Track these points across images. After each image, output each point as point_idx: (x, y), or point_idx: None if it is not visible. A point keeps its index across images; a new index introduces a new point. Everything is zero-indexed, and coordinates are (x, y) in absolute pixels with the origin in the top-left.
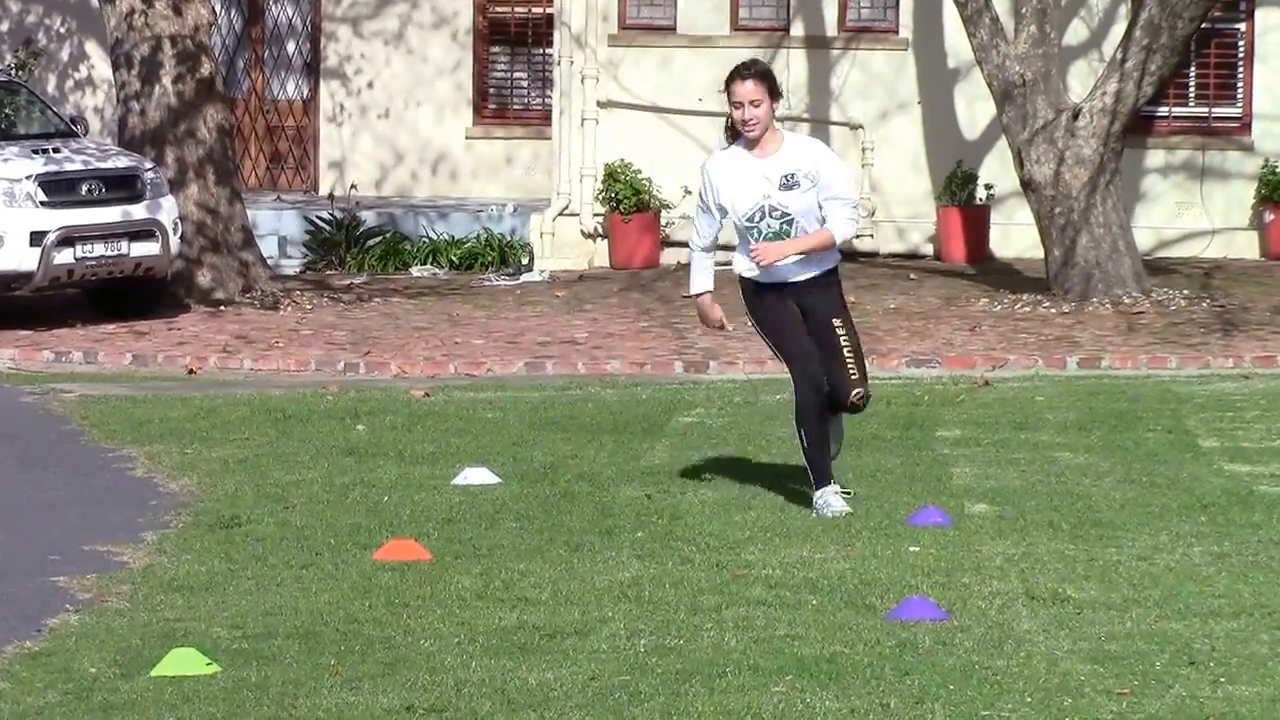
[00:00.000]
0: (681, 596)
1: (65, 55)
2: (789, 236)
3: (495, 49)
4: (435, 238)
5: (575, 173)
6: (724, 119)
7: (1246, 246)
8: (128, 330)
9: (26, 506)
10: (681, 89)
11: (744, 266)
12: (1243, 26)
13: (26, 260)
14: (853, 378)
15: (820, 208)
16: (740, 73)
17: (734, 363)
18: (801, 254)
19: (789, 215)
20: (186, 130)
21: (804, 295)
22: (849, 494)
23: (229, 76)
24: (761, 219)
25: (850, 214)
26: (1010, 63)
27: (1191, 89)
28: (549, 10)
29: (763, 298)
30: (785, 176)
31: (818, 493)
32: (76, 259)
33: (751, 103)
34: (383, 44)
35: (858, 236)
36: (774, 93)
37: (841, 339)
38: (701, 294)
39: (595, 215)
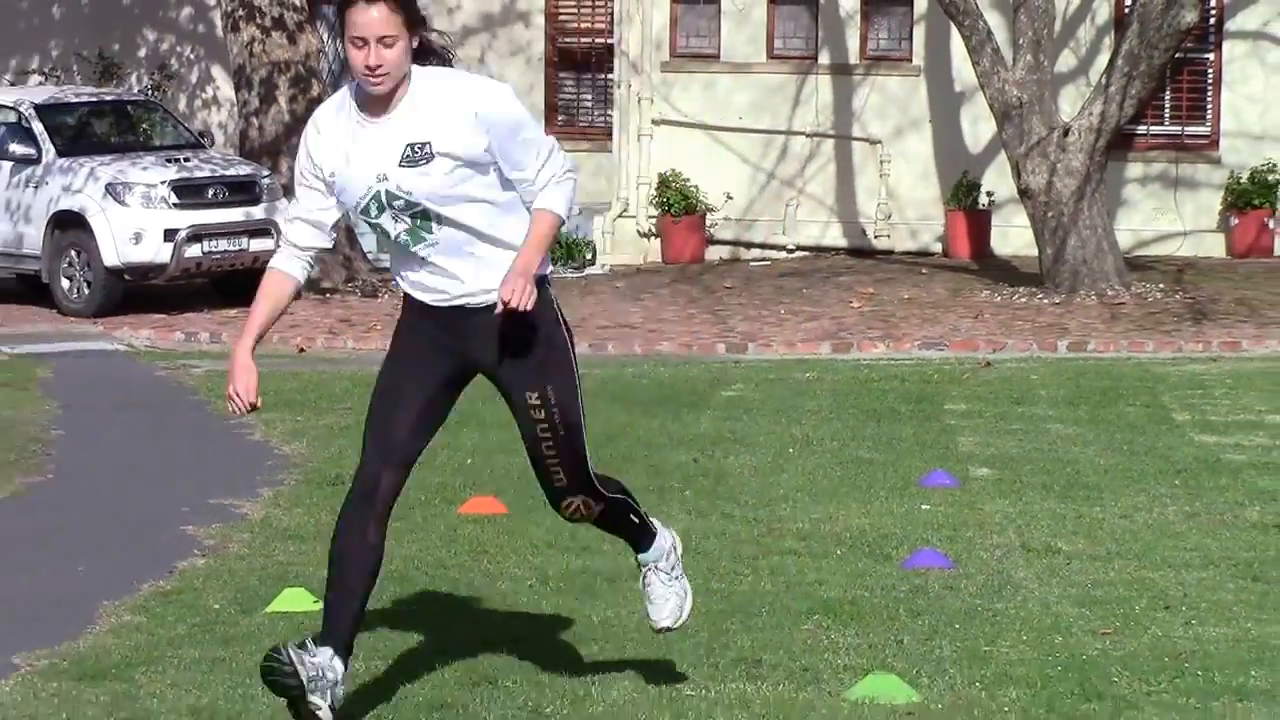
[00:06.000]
0: (723, 547)
1: (194, 78)
2: (429, 238)
3: (564, 74)
4: None
5: (632, 181)
6: (756, 130)
7: (1214, 246)
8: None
9: (160, 466)
10: (724, 109)
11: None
12: (1212, 56)
13: (161, 254)
14: (558, 483)
15: (500, 179)
16: None
17: (769, 345)
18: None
19: (418, 206)
20: (299, 143)
21: (473, 342)
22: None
23: None
24: (379, 213)
25: (566, 173)
26: (1009, 87)
27: (1166, 110)
28: (610, 41)
29: (411, 329)
30: (411, 146)
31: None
32: (204, 253)
33: (381, 40)
34: (466, 70)
35: (876, 236)
36: (414, 23)
37: (540, 426)
38: (238, 347)
39: (649, 217)
